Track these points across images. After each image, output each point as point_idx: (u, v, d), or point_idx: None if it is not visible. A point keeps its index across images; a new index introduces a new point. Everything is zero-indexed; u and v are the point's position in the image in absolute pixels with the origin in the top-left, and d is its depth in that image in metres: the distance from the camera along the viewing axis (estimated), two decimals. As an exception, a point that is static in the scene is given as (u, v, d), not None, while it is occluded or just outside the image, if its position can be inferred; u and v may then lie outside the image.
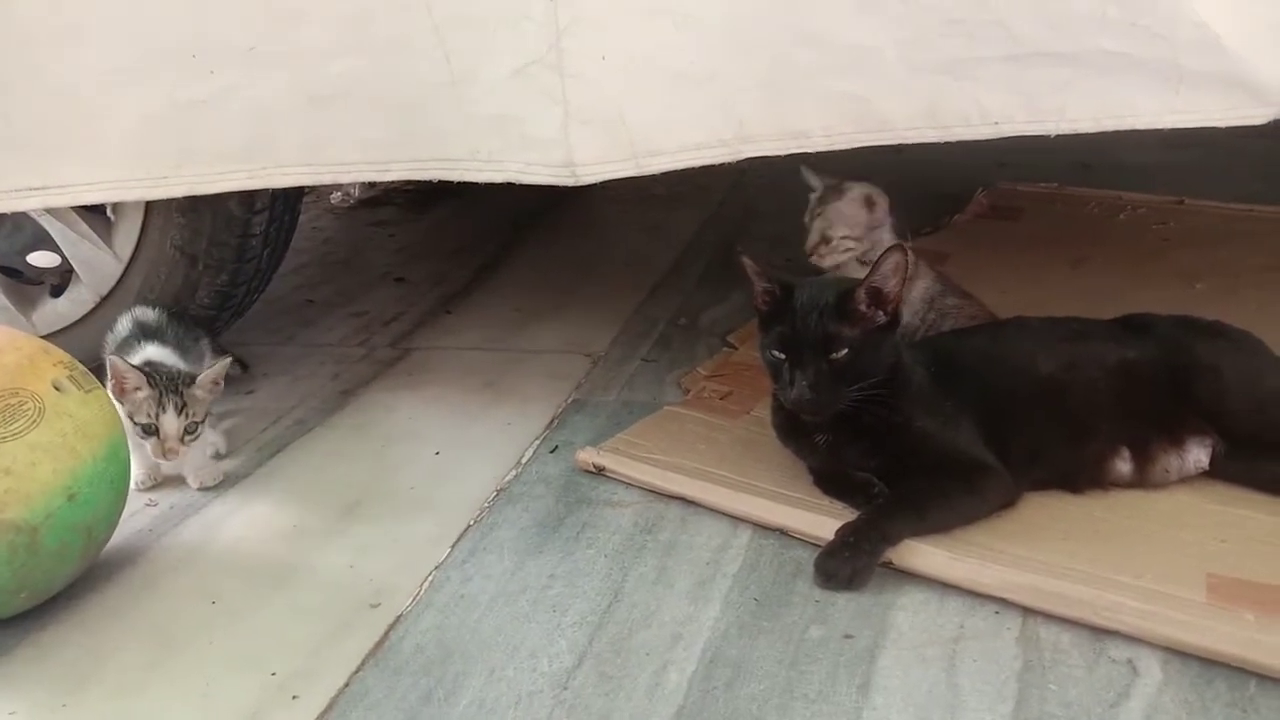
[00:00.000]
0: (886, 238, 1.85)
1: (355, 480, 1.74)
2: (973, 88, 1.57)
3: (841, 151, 2.04)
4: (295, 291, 2.56)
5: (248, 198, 1.91)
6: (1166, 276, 2.22)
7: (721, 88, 1.51)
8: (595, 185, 2.44)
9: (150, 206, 1.92)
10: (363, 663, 1.33)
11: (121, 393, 1.64)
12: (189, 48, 1.62)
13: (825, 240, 1.85)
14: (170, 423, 1.65)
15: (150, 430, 1.65)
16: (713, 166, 1.60)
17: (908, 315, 1.81)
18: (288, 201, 2.03)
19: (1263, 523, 1.45)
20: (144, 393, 1.65)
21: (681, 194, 3.11)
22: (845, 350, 1.46)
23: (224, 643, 1.40)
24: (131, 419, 1.65)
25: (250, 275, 2.02)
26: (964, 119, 1.59)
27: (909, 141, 1.60)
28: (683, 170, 1.68)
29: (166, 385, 1.66)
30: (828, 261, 1.85)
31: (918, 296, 1.83)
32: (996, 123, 1.60)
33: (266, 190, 1.94)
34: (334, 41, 1.58)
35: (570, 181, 1.48)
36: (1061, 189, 2.82)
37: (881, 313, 1.49)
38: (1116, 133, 1.68)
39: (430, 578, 1.48)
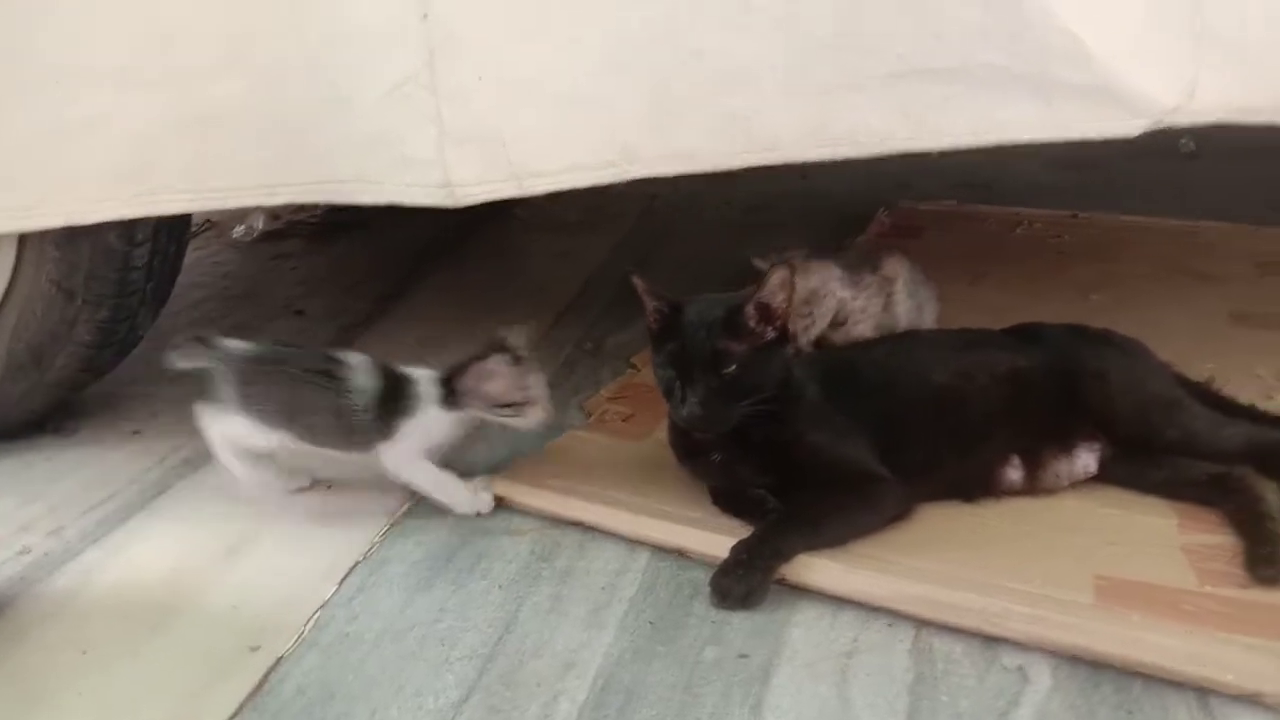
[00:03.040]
0: (836, 288, 1.88)
1: (241, 518, 1.67)
2: (856, 106, 1.58)
3: (750, 178, 2.05)
4: (190, 327, 2.48)
5: (128, 229, 1.84)
6: (1062, 288, 2.26)
7: (604, 108, 1.50)
8: (507, 214, 2.41)
9: (24, 239, 1.84)
10: (240, 707, 1.27)
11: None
12: (55, 72, 1.56)
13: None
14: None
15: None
16: (624, 192, 1.58)
17: (903, 301, 1.88)
18: (172, 232, 1.96)
19: (1149, 525, 1.47)
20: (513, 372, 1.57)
21: (592, 221, 3.10)
22: (734, 366, 1.45)
23: (93, 693, 1.32)
24: (500, 409, 1.58)
25: (134, 310, 1.94)
26: (850, 137, 1.60)
27: (797, 160, 1.60)
28: (593, 197, 1.66)
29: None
30: (800, 341, 1.85)
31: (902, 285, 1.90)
32: (881, 140, 1.61)
33: (148, 221, 1.88)
34: (212, 62, 1.54)
35: (449, 203, 1.45)
36: (961, 206, 2.88)
37: (770, 328, 1.48)
38: (1014, 154, 1.72)
39: (315, 617, 1.43)
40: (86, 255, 1.84)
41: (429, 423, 1.58)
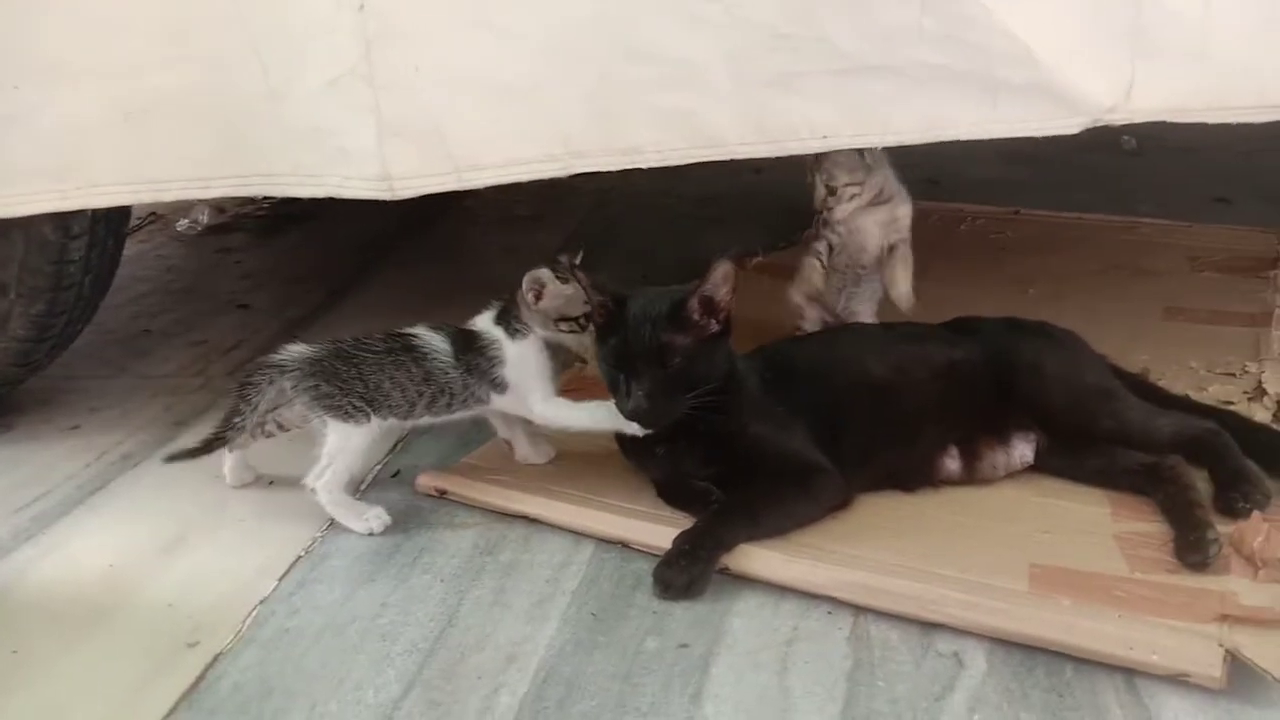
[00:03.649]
0: (890, 174, 1.84)
1: (181, 515, 1.65)
2: (801, 102, 1.59)
3: (703, 172, 2.05)
4: (132, 321, 2.44)
5: (63, 221, 1.80)
6: (1002, 283, 2.30)
7: (547, 102, 1.50)
8: (457, 207, 2.38)
9: (-46, 233, 1.80)
10: (175, 705, 1.26)
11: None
12: (-13, 66, 1.53)
13: (831, 191, 1.81)
14: None
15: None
16: (575, 186, 1.58)
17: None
18: (110, 225, 1.92)
19: (1082, 513, 1.50)
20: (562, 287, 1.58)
21: (543, 214, 3.09)
22: (679, 359, 1.46)
23: (23, 694, 1.30)
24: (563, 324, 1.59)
25: (70, 304, 1.90)
26: (794, 133, 1.61)
27: (742, 157, 1.62)
28: (545, 190, 1.66)
29: None
30: (839, 211, 1.80)
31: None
32: (825, 136, 1.63)
33: (85, 213, 1.84)
34: (149, 54, 1.51)
35: (388, 195, 1.44)
36: (907, 203, 2.91)
37: (714, 321, 1.49)
38: (961, 150, 1.74)
39: (254, 613, 1.41)
40: (20, 248, 1.80)
41: (522, 356, 1.60)
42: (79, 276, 1.89)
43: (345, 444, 1.56)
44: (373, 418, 1.56)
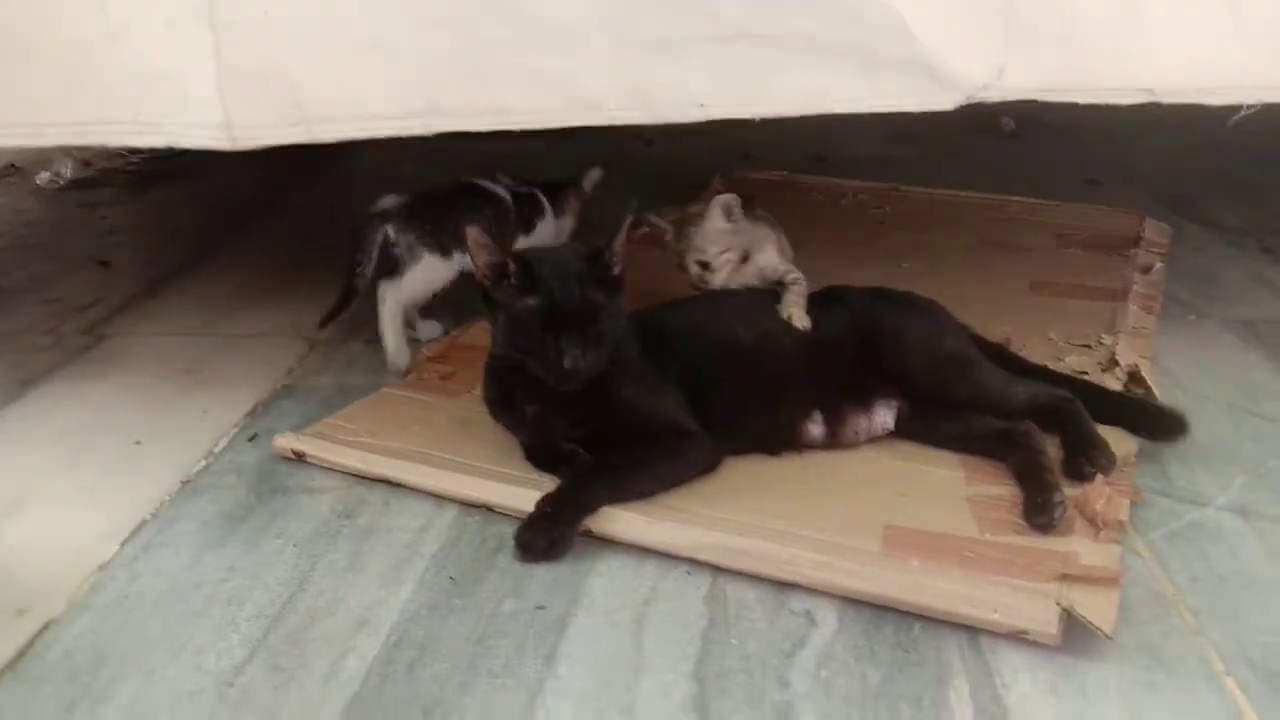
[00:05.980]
0: (747, 225, 1.80)
1: (21, 476, 1.57)
2: (679, 69, 1.58)
3: (592, 141, 2.00)
4: (-23, 276, 2.31)
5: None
6: (878, 255, 2.34)
7: (409, 56, 1.44)
8: (346, 166, 2.28)
9: None
10: (-2, 675, 1.19)
11: None
12: None
13: (704, 265, 1.76)
14: None
15: None
16: (462, 149, 1.53)
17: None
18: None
19: (938, 476, 1.54)
20: None
21: (426, 175, 3.01)
22: (604, 315, 1.45)
23: None
24: None
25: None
26: (672, 101, 1.60)
27: (618, 123, 1.59)
28: (431, 152, 1.61)
29: None
30: (717, 281, 1.76)
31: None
32: (703, 105, 1.62)
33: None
34: None
35: (229, 145, 1.37)
36: (791, 177, 2.94)
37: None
38: (849, 128, 1.75)
39: (92, 578, 1.35)
40: None
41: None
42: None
43: None
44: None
